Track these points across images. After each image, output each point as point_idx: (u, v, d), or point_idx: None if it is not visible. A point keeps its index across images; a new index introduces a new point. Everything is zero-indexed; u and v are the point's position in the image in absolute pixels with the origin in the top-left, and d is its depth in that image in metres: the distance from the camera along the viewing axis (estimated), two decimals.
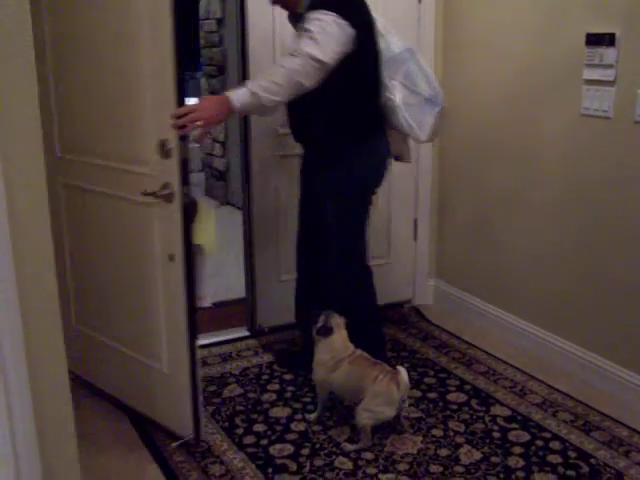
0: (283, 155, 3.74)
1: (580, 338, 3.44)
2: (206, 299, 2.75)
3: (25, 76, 1.77)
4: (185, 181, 2.58)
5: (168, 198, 2.60)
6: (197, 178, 7.23)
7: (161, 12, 2.43)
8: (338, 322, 3.03)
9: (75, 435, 2.08)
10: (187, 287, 2.67)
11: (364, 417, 2.86)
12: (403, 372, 2.83)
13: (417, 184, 4.18)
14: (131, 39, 2.60)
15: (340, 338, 3.01)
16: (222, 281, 4.57)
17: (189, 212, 2.63)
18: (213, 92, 7.06)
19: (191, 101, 10.07)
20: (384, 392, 2.83)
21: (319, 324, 3.01)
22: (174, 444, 2.88)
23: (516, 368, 3.54)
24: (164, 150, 2.57)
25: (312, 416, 3.09)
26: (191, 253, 2.65)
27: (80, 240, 3.15)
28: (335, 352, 2.99)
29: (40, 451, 1.89)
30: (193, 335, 2.73)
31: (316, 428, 3.01)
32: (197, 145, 6.63)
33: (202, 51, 7.24)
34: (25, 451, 1.82)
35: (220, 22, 6.81)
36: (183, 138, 2.55)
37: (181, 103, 2.52)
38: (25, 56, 1.76)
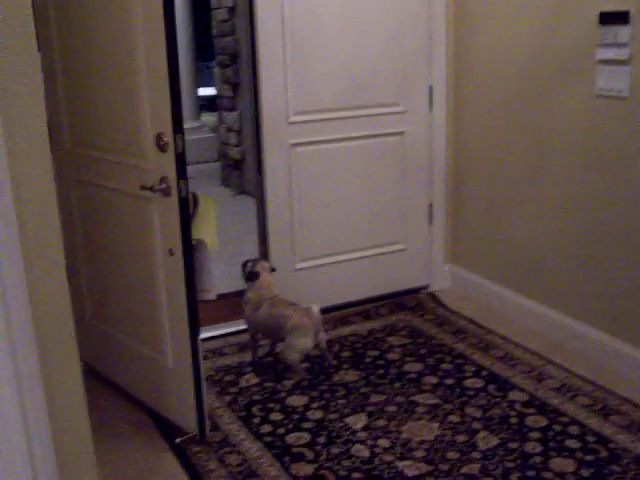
0: (295, 143, 3.72)
1: (598, 321, 3.40)
2: (211, 292, 2.77)
3: (28, 70, 1.76)
4: (182, 175, 2.55)
5: (165, 192, 2.59)
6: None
7: (154, 11, 2.43)
8: (264, 266, 3.47)
9: (89, 424, 2.09)
10: (187, 282, 2.65)
11: (288, 353, 3.28)
12: (315, 307, 3.26)
13: (431, 168, 4.15)
14: (129, 35, 2.60)
15: (265, 280, 3.43)
16: (239, 270, 4.56)
17: (187, 206, 2.61)
18: (227, 81, 7.06)
19: (206, 90, 10.08)
20: (298, 326, 3.24)
21: (247, 270, 3.43)
22: (178, 440, 2.87)
23: (534, 353, 3.51)
24: (160, 144, 2.55)
25: (248, 358, 3.51)
26: (190, 248, 2.64)
27: (91, 235, 3.17)
28: (259, 292, 3.39)
29: (54, 441, 1.89)
30: (194, 330, 2.72)
31: (333, 416, 3.01)
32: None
33: (215, 40, 7.22)
34: (39, 440, 1.83)
35: (232, 11, 6.79)
36: (179, 131, 2.51)
37: (176, 96, 2.48)
38: (28, 51, 1.75)
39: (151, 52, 2.51)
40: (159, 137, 2.55)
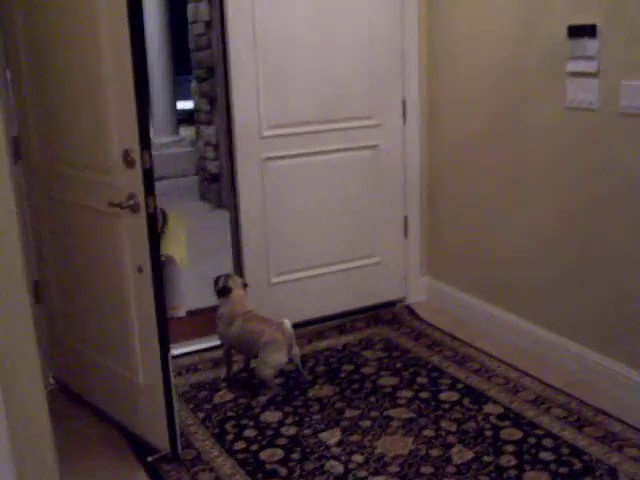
0: (268, 157, 3.71)
1: (574, 333, 3.40)
2: (180, 309, 2.75)
3: None
4: (150, 191, 2.52)
5: (133, 209, 2.57)
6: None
7: (119, 23, 2.41)
8: (236, 282, 3.45)
9: (53, 446, 2.06)
10: (156, 299, 2.62)
11: (262, 369, 3.26)
12: (286, 322, 3.24)
13: (406, 181, 4.15)
14: (96, 52, 2.59)
15: (237, 296, 3.40)
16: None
17: (155, 223, 2.58)
18: (204, 95, 7.05)
19: (186, 104, 10.03)
20: (271, 341, 3.22)
21: (220, 286, 3.40)
22: (149, 458, 2.83)
23: (509, 365, 3.51)
24: (128, 160, 2.53)
25: (223, 374, 3.47)
26: (159, 265, 2.60)
27: (62, 251, 3.14)
28: (232, 307, 3.37)
29: (14, 462, 1.86)
30: (164, 347, 2.68)
31: (307, 432, 2.99)
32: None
33: (192, 54, 7.22)
34: None
35: (208, 25, 6.79)
36: (146, 147, 2.49)
37: (143, 112, 2.47)
38: None
39: (118, 68, 2.49)
40: (126, 153, 2.53)
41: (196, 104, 7.41)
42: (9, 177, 1.84)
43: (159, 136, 9.05)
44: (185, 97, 10.59)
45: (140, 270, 2.64)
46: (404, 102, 4.03)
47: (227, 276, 3.47)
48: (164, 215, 2.65)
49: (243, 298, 3.43)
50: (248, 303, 3.43)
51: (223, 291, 3.40)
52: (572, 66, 3.15)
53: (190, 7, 7.08)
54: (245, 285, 3.49)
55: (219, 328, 3.43)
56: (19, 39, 2.97)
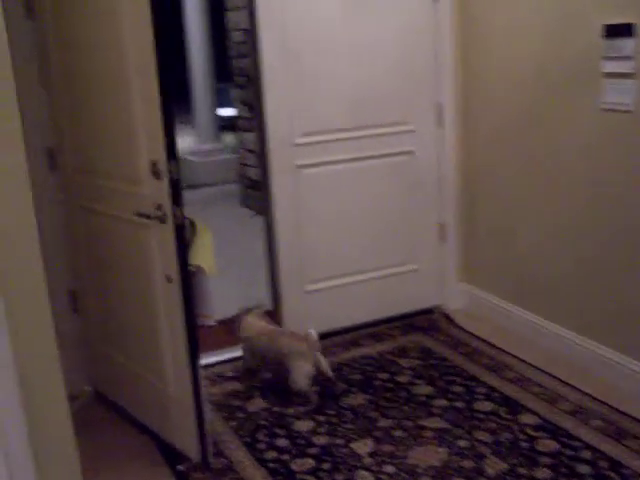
0: (302, 165, 3.70)
1: (615, 342, 3.31)
2: (210, 318, 2.75)
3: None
4: (177, 202, 2.53)
5: (161, 219, 2.58)
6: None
7: (144, 39, 2.43)
8: (257, 306, 3.57)
9: (76, 449, 2.07)
10: (185, 309, 2.63)
11: (296, 381, 3.22)
12: (312, 332, 3.25)
13: (442, 187, 4.09)
14: (123, 66, 2.62)
15: (256, 316, 3.49)
16: (253, 292, 4.50)
17: (183, 233, 2.59)
18: (244, 102, 7.09)
19: (225, 111, 10.11)
20: (296, 351, 3.23)
21: (242, 310, 3.52)
22: (179, 467, 2.85)
23: (547, 374, 3.43)
24: (155, 171, 2.55)
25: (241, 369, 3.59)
26: (188, 274, 2.62)
27: (95, 260, 3.18)
28: (255, 329, 3.43)
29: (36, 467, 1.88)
30: (194, 356, 2.69)
31: (339, 442, 2.96)
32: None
33: (233, 62, 7.27)
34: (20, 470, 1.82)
35: (248, 32, 6.81)
36: (173, 158, 2.50)
37: (170, 123, 2.47)
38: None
39: (144, 81, 2.50)
40: (154, 164, 2.54)
41: (238, 111, 7.46)
42: (30, 189, 1.85)
43: (202, 143, 9.15)
44: (229, 104, 10.66)
45: (169, 280, 2.65)
46: (439, 106, 3.97)
47: (246, 310, 3.56)
48: (192, 225, 2.66)
49: (263, 320, 3.51)
50: (269, 323, 3.52)
51: (243, 311, 3.53)
52: (607, 66, 3.07)
53: (229, 15, 7.13)
54: (266, 312, 3.60)
55: (244, 351, 3.53)
56: (52, 54, 3.03)
